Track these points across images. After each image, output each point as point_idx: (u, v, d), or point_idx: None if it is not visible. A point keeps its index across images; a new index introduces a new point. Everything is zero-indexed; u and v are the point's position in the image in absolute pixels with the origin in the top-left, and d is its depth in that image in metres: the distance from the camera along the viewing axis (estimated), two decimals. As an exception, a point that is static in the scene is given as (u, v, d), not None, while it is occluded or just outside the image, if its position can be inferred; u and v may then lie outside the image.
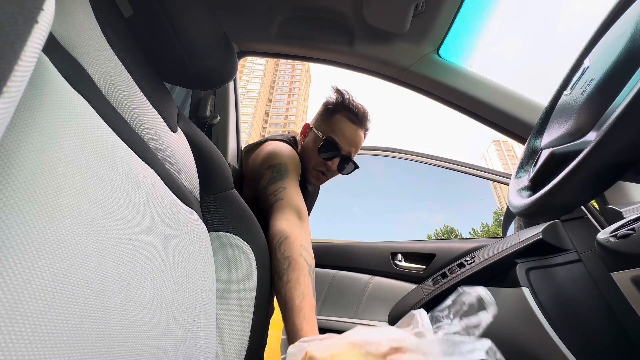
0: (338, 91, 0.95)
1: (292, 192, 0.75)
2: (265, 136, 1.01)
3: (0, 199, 0.20)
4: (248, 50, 1.06)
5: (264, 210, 0.77)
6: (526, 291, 0.74)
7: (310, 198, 1.06)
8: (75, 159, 0.27)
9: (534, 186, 0.44)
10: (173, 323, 0.35)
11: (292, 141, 0.97)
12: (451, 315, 0.35)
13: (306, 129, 0.96)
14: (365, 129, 0.94)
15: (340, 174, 0.96)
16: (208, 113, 1.13)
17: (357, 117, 0.90)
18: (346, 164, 0.92)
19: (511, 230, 1.14)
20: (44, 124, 0.25)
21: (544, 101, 0.61)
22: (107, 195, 0.30)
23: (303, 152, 0.93)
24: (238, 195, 0.61)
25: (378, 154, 1.37)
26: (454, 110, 0.90)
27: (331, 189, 1.31)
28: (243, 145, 1.19)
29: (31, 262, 0.21)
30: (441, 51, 0.88)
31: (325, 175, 0.92)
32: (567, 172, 0.32)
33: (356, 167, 0.94)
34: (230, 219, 0.55)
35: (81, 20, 0.34)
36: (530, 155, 0.53)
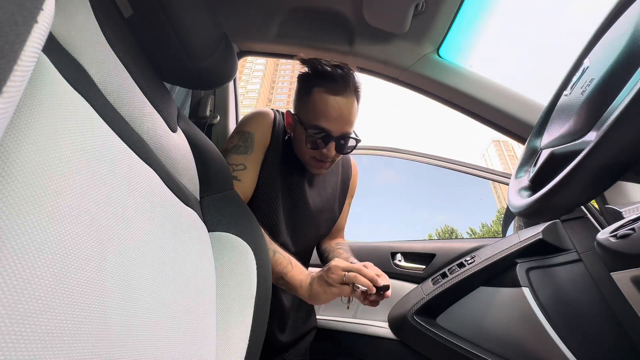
0: (305, 62, 0.75)
1: (249, 176, 0.75)
2: None
3: (0, 199, 0.20)
4: (248, 50, 1.07)
5: None
6: (526, 291, 0.74)
7: (327, 185, 0.91)
8: (75, 159, 0.27)
9: (534, 186, 0.44)
10: (173, 323, 0.35)
11: (277, 115, 0.83)
12: None
13: (289, 117, 0.79)
14: (355, 92, 0.73)
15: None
16: (208, 113, 1.13)
17: (337, 84, 0.70)
18: (344, 144, 0.75)
19: (511, 230, 1.14)
20: (43, 124, 0.25)
21: (544, 101, 0.61)
22: (107, 195, 0.30)
23: (294, 144, 0.79)
24: (238, 195, 0.61)
25: (378, 153, 1.37)
26: (454, 110, 0.90)
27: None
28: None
29: (31, 262, 0.21)
30: (441, 51, 0.88)
31: (326, 162, 0.76)
32: (567, 172, 0.32)
33: (357, 141, 0.76)
34: (230, 219, 0.55)
35: (81, 20, 0.34)
36: (530, 155, 0.53)
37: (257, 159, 0.77)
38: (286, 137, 0.81)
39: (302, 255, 0.89)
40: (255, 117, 0.80)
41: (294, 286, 0.67)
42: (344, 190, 0.95)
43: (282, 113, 0.85)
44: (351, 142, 0.76)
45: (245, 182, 0.74)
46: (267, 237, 0.70)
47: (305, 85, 0.74)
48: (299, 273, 0.69)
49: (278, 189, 0.80)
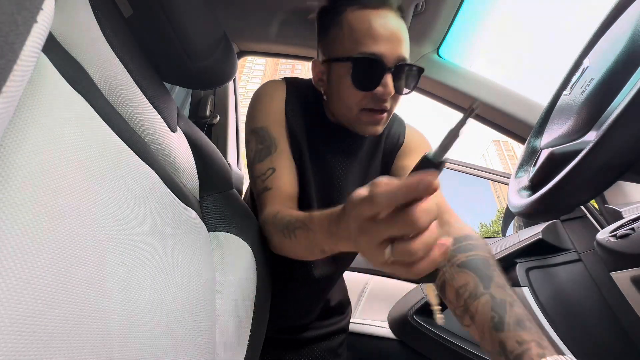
0: None
1: (283, 176, 0.56)
2: None
3: (0, 199, 0.20)
4: (248, 50, 1.07)
5: (254, 194, 0.60)
6: (526, 291, 0.74)
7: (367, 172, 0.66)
8: (74, 159, 0.27)
9: (533, 186, 0.44)
10: (173, 323, 0.35)
11: (288, 85, 0.64)
12: None
13: (317, 68, 0.60)
14: (398, 9, 0.55)
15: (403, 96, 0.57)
16: (208, 113, 1.13)
17: None
18: (403, 76, 0.54)
19: (511, 230, 1.14)
20: (43, 124, 0.25)
21: (544, 101, 0.61)
22: (106, 195, 0.30)
23: (333, 101, 0.59)
24: (238, 195, 0.61)
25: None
26: (454, 110, 0.90)
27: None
28: (242, 145, 1.19)
29: (31, 262, 0.21)
30: (441, 51, 0.88)
31: (382, 111, 0.55)
32: (566, 172, 0.32)
33: (420, 71, 0.56)
34: (230, 219, 0.55)
35: (81, 20, 0.34)
36: (530, 155, 0.53)
37: (284, 147, 0.59)
38: (307, 99, 0.63)
39: (343, 258, 0.70)
40: (260, 105, 0.61)
41: (335, 245, 0.39)
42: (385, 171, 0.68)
43: (295, 79, 0.66)
44: (413, 76, 0.55)
45: (280, 186, 0.56)
46: (279, 216, 0.49)
47: (330, 17, 0.56)
48: (322, 229, 0.39)
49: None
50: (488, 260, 0.42)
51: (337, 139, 0.63)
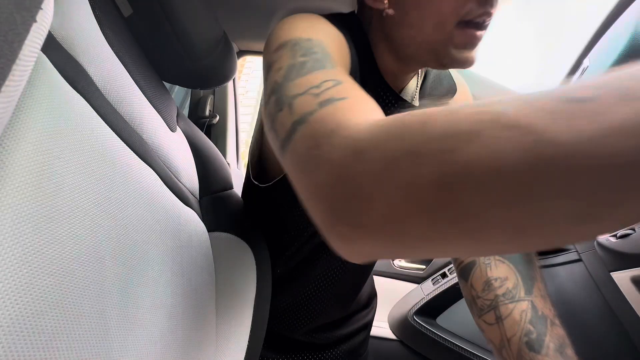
0: None
1: (358, 91, 0.27)
2: None
3: (0, 199, 0.20)
4: (248, 50, 1.07)
5: (270, 142, 0.31)
6: (526, 291, 0.75)
7: None
8: (74, 159, 0.27)
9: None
10: (172, 323, 0.35)
11: (330, 17, 0.41)
12: None
13: None
14: None
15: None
16: (207, 113, 1.13)
17: None
18: None
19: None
20: (42, 123, 0.25)
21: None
22: (106, 195, 0.30)
23: (404, 22, 0.40)
24: (238, 195, 0.61)
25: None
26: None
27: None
28: (242, 145, 1.19)
29: (30, 262, 0.21)
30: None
31: (483, 25, 0.40)
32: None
33: None
34: (230, 219, 0.55)
35: (80, 19, 0.34)
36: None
37: (346, 73, 0.33)
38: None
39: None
40: (305, 21, 0.37)
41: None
42: None
43: (333, 13, 0.43)
44: None
45: (359, 99, 0.26)
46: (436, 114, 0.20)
47: None
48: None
49: None
50: (533, 260, 0.36)
51: (388, 96, 0.45)
